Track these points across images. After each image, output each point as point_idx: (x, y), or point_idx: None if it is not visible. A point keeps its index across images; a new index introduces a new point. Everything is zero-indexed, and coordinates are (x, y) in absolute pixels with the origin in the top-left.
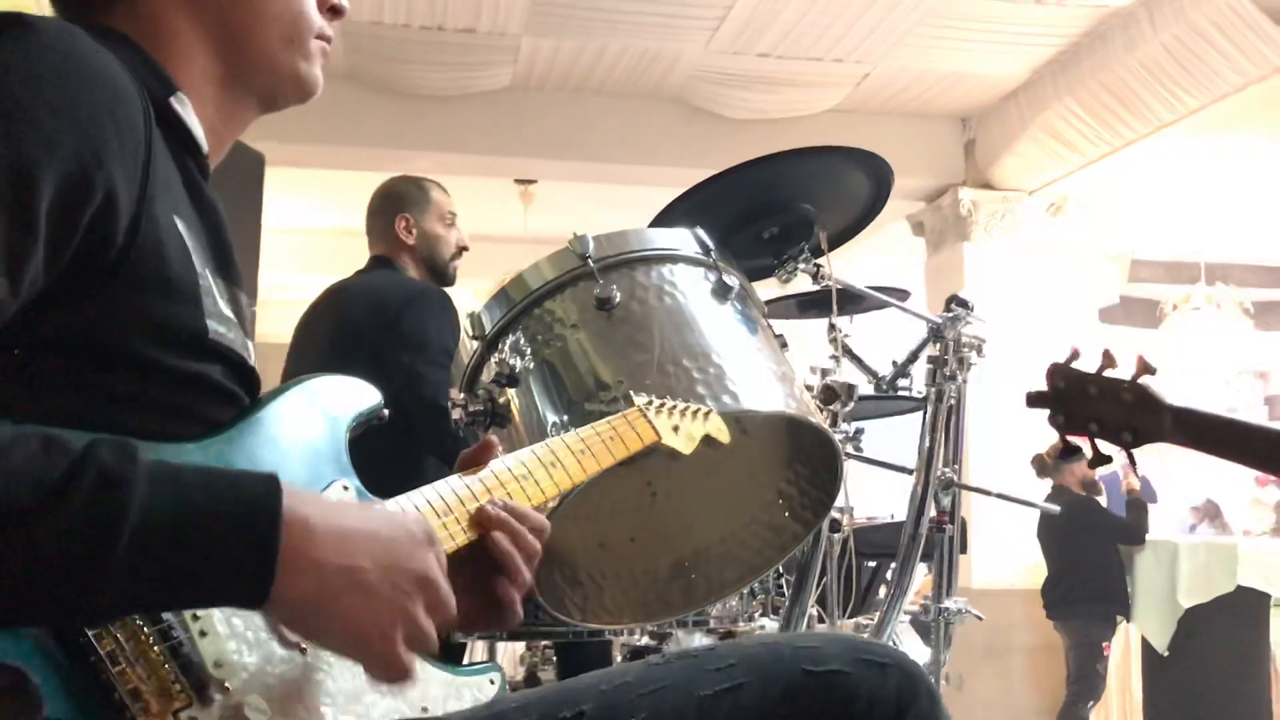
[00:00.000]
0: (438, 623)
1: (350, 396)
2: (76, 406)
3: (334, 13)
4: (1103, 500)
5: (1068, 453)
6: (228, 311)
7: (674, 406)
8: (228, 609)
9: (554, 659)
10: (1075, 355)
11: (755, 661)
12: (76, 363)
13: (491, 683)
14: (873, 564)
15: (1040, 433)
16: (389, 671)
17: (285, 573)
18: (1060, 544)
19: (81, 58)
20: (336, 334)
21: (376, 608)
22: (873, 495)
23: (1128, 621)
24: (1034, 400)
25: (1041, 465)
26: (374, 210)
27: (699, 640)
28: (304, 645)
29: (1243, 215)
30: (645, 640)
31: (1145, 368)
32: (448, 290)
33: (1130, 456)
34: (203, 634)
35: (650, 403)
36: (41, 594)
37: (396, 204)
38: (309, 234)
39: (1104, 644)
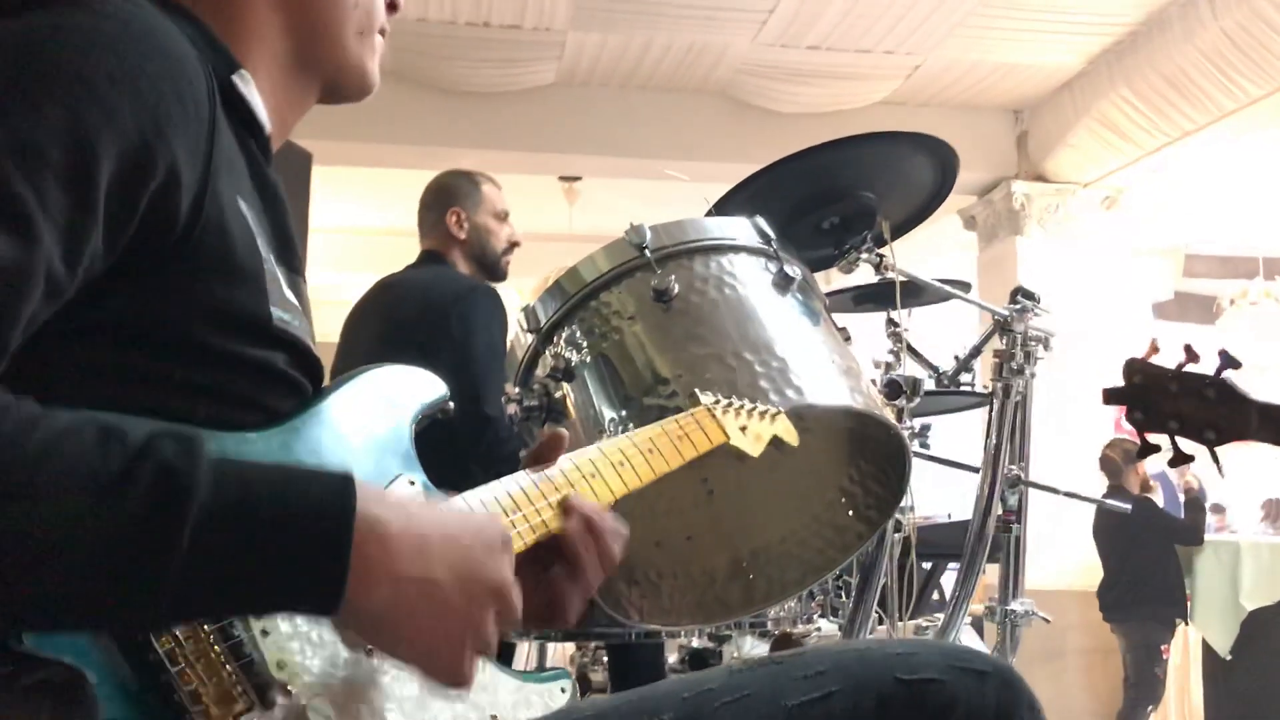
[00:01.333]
0: (503, 630)
1: (416, 387)
2: (135, 394)
3: (392, 8)
4: (1158, 499)
5: (1145, 451)
6: (291, 297)
7: (741, 406)
8: None
9: (604, 660)
10: (1155, 349)
11: (846, 669)
12: (135, 348)
13: (563, 690)
14: (928, 565)
15: (1095, 432)
16: (453, 681)
17: (359, 583)
18: (1117, 545)
19: (143, 27)
20: (386, 330)
21: (450, 620)
22: (928, 494)
23: (1186, 624)
24: (1111, 397)
25: (1112, 466)
26: (426, 204)
27: (751, 643)
28: (370, 647)
29: None
30: (701, 642)
31: (1229, 361)
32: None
33: (1214, 455)
34: (264, 633)
35: (717, 402)
36: (94, 601)
37: (448, 198)
38: (356, 233)
39: (1163, 647)
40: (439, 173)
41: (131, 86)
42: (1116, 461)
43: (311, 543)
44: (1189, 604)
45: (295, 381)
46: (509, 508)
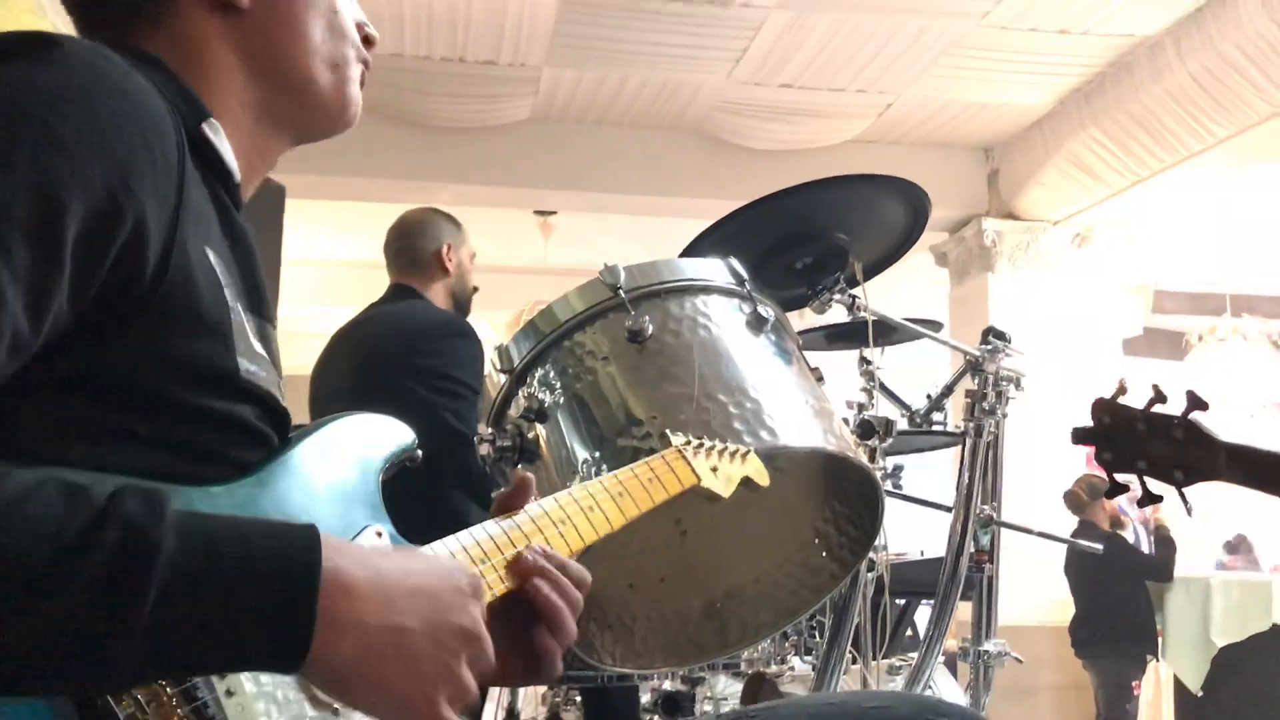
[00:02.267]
0: (477, 677)
1: (383, 436)
2: (99, 450)
3: (367, 42)
4: (1128, 535)
5: (1115, 491)
6: (259, 349)
7: (712, 447)
8: None
9: (577, 699)
10: (1123, 390)
11: None
12: (99, 403)
13: None
14: (901, 602)
15: (1065, 468)
16: None
17: (325, 635)
18: (1089, 582)
19: (112, 79)
20: (361, 364)
21: (421, 670)
22: (901, 531)
23: (1158, 660)
24: (1080, 436)
25: (1077, 502)
26: (408, 235)
27: (724, 683)
28: (337, 706)
29: (1269, 245)
30: (674, 684)
31: (1196, 402)
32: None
33: (1182, 495)
34: (229, 694)
35: (688, 443)
36: (57, 660)
37: (439, 232)
38: (329, 266)
39: (1134, 683)
40: (412, 208)
41: (99, 140)
42: (1081, 497)
43: (276, 596)
44: (1160, 640)
45: (262, 434)
46: (478, 557)
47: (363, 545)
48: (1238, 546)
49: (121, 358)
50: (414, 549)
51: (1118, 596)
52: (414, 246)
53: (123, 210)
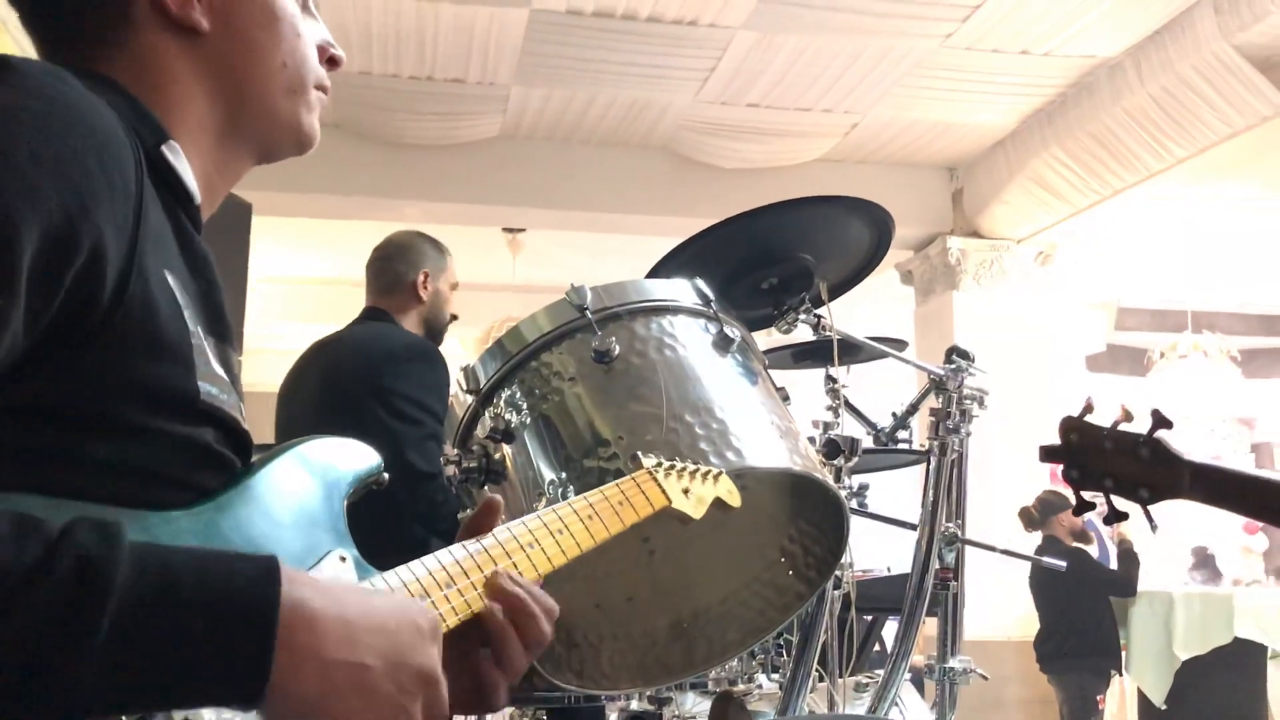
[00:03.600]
0: None
1: (347, 459)
2: (57, 477)
3: (332, 64)
4: (1093, 550)
5: (1081, 508)
6: (220, 371)
7: (683, 468)
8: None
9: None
10: (1090, 408)
11: None
12: (57, 430)
13: None
14: (869, 618)
15: (1030, 484)
16: None
17: (284, 668)
18: (1052, 597)
19: (68, 102)
20: (325, 387)
21: (379, 709)
22: (868, 547)
23: (1120, 675)
24: (1047, 454)
25: (1029, 518)
26: (387, 257)
27: (693, 700)
28: None
29: (1229, 263)
30: (641, 705)
31: (1161, 421)
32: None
33: (1147, 513)
34: None
35: (659, 464)
36: (8, 692)
37: (419, 258)
38: (296, 283)
39: (1098, 697)
40: (400, 230)
41: (55, 165)
42: (1033, 514)
43: (235, 630)
44: (1124, 654)
45: (223, 457)
46: (444, 582)
47: (326, 579)
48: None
49: (79, 383)
50: (375, 588)
51: (1081, 611)
52: (391, 270)
53: (79, 236)
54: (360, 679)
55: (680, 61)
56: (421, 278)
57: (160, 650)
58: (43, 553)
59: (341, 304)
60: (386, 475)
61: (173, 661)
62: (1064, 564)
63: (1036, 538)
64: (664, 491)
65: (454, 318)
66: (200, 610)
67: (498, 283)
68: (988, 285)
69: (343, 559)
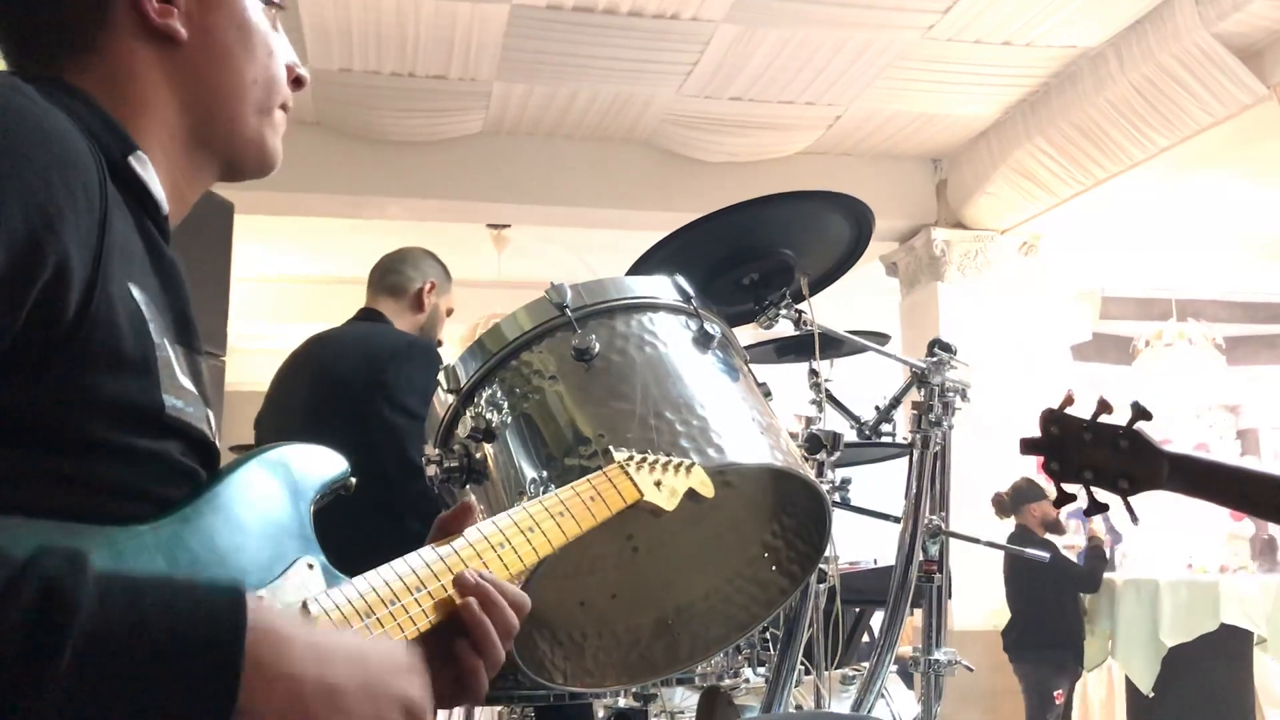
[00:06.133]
0: None
1: (313, 466)
2: (20, 492)
3: (297, 84)
4: (1070, 539)
5: (1062, 500)
6: (187, 383)
7: (655, 460)
8: None
9: (532, 716)
10: (1070, 400)
11: None
12: (19, 445)
13: None
14: (856, 610)
15: (1015, 475)
16: None
17: (256, 686)
18: (1017, 586)
19: (29, 116)
20: (322, 383)
21: None
22: (854, 539)
23: (1083, 670)
24: (1028, 447)
25: (1001, 505)
26: (400, 260)
27: (681, 695)
28: None
29: (1213, 251)
30: (627, 701)
31: (1141, 413)
32: None
33: (1127, 504)
34: None
35: (631, 458)
36: None
37: (428, 270)
38: (279, 282)
39: (1055, 692)
40: (407, 247)
41: (19, 180)
42: (1003, 500)
43: (200, 659)
44: (1111, 646)
45: (188, 469)
46: (413, 585)
47: (298, 619)
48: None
49: (42, 397)
50: (348, 581)
51: (1045, 604)
52: (400, 273)
53: (44, 252)
54: (333, 700)
55: (662, 56)
56: (427, 286)
57: (124, 679)
58: (7, 580)
59: (325, 303)
60: (354, 480)
61: (137, 690)
62: (1047, 555)
63: (1010, 525)
64: (635, 484)
65: (440, 343)
66: (166, 639)
67: (483, 279)
68: (972, 276)
69: (310, 566)
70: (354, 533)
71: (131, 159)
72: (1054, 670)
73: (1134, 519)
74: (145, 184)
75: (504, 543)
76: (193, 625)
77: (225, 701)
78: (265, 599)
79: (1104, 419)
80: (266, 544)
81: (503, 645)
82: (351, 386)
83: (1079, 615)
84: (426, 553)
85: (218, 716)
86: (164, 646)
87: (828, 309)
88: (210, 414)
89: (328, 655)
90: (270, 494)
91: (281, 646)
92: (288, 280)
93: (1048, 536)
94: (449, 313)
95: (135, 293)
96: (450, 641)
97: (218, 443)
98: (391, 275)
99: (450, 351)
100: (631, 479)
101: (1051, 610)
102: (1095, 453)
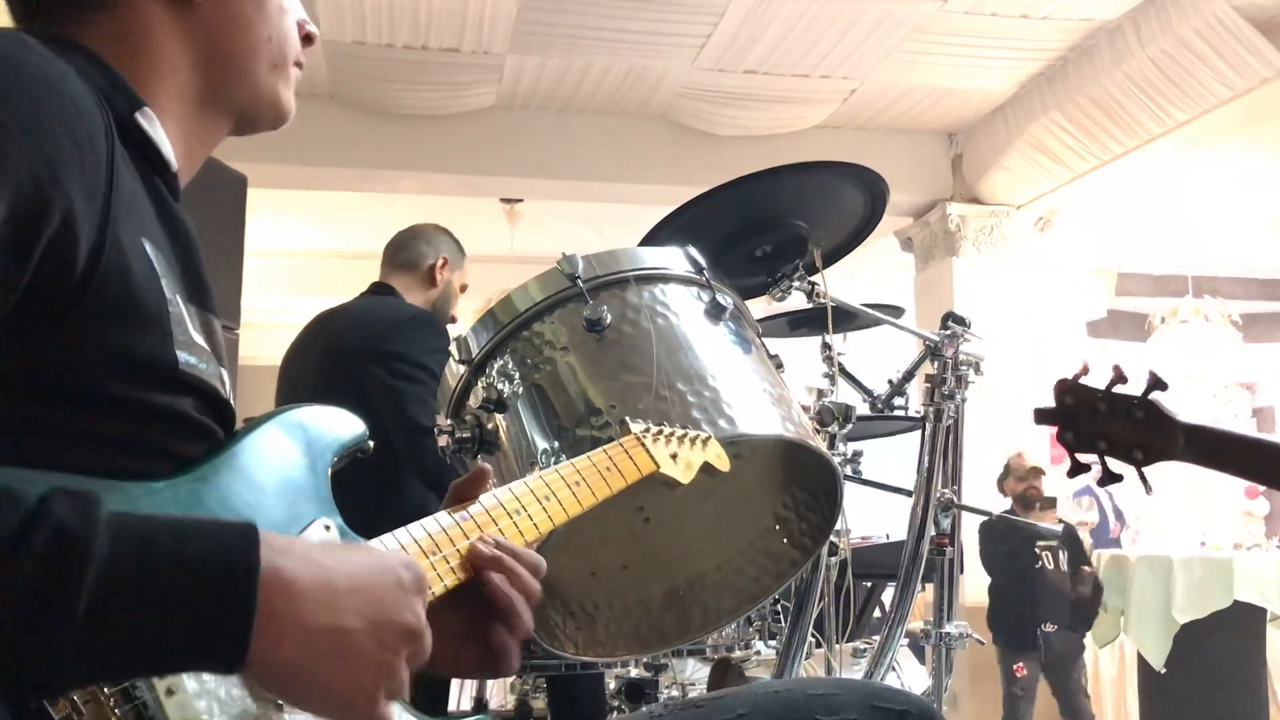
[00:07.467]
0: (412, 669)
1: (332, 427)
2: (34, 448)
3: (307, 40)
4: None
5: (1076, 470)
6: (200, 340)
7: (671, 433)
8: None
9: (545, 687)
10: (1085, 371)
11: (767, 710)
12: (33, 401)
13: None
14: (868, 584)
15: (1030, 450)
16: None
17: (265, 636)
18: (989, 557)
19: (35, 70)
20: (328, 357)
21: (362, 667)
22: (867, 514)
23: (1040, 654)
24: (1042, 417)
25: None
26: (413, 236)
27: (693, 667)
28: (280, 701)
29: (1230, 228)
30: (639, 671)
31: (1156, 383)
32: None
33: (1141, 475)
34: (170, 693)
35: (647, 430)
36: None
37: (442, 245)
38: (292, 256)
39: (1016, 666)
40: (420, 223)
41: (23, 132)
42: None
43: (214, 598)
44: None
45: (204, 426)
46: (429, 549)
47: (305, 541)
48: None
49: (56, 353)
50: (360, 543)
51: (1009, 579)
52: (413, 248)
53: (50, 204)
54: (342, 642)
55: (676, 28)
56: (440, 262)
57: (139, 620)
58: (19, 525)
59: (339, 277)
60: (372, 443)
61: (151, 632)
62: (1059, 528)
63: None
64: (652, 457)
65: (454, 319)
66: (179, 579)
67: (496, 254)
68: (988, 251)
69: (327, 528)
70: (359, 497)
71: (139, 115)
72: (1010, 649)
73: (1147, 488)
74: (154, 141)
75: (520, 509)
76: (205, 573)
77: (238, 649)
78: (273, 535)
79: (1119, 389)
80: (283, 504)
81: (528, 613)
82: (355, 359)
83: (1041, 594)
84: (443, 517)
85: (230, 664)
86: (175, 593)
87: (841, 285)
88: (224, 373)
89: (335, 594)
90: (288, 455)
91: (293, 593)
92: (302, 255)
93: (1021, 510)
94: (463, 288)
95: (147, 248)
96: (473, 613)
97: (233, 401)
98: (404, 251)
99: (461, 308)
100: (648, 451)
101: (1014, 586)
102: (1110, 423)
